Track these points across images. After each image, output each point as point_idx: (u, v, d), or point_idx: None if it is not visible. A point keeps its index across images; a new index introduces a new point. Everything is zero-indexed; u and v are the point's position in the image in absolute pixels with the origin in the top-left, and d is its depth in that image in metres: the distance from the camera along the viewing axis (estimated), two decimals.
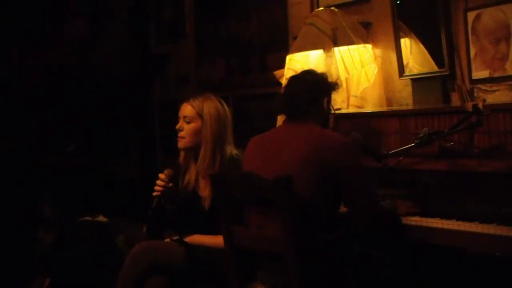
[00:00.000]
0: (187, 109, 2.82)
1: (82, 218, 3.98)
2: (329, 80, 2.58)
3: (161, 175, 2.80)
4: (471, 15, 2.91)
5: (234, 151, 2.81)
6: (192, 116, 2.80)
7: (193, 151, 2.83)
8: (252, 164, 2.46)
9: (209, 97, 2.85)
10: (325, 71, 2.70)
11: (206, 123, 2.78)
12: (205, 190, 2.78)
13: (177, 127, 2.83)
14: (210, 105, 2.81)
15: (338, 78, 2.84)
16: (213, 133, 2.77)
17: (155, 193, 2.79)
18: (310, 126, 2.41)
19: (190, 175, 2.85)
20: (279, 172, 2.23)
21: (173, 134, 2.88)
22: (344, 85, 3.22)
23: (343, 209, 2.43)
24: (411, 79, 3.19)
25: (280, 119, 3.29)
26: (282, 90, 2.62)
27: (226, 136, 2.81)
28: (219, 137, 2.78)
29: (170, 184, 2.80)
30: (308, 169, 2.27)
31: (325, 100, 2.53)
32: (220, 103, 2.85)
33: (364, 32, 3.30)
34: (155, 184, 2.80)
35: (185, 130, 2.80)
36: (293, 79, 2.60)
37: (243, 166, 2.54)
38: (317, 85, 2.51)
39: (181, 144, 2.82)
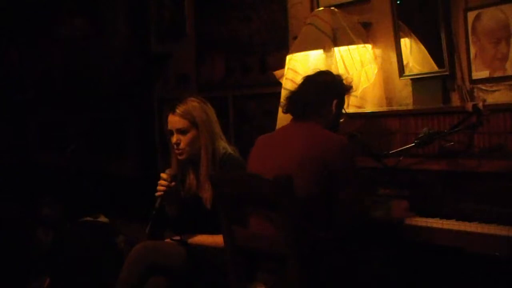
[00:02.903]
0: (178, 121, 2.78)
1: (82, 218, 3.98)
2: (344, 82, 2.56)
3: (163, 175, 2.79)
4: (471, 15, 2.90)
5: (229, 149, 2.81)
6: (186, 127, 2.76)
7: (191, 158, 2.81)
8: (256, 162, 2.47)
9: (192, 102, 2.81)
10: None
11: (202, 130, 2.76)
12: (206, 192, 2.76)
13: (174, 141, 2.79)
14: (199, 110, 2.78)
15: (352, 81, 2.76)
16: (210, 136, 2.77)
17: (158, 193, 2.77)
18: (312, 126, 2.41)
19: (190, 181, 2.84)
20: (279, 170, 2.24)
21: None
22: None
23: None
24: (411, 79, 3.18)
25: (280, 119, 3.29)
26: (293, 90, 2.60)
27: (217, 131, 2.82)
28: (214, 137, 2.79)
29: (173, 183, 2.79)
30: (307, 168, 2.28)
31: (334, 102, 2.51)
32: (204, 102, 2.84)
33: (364, 32, 3.30)
34: (157, 184, 2.78)
35: (183, 141, 2.77)
36: (305, 79, 2.59)
37: (248, 163, 2.55)
38: (326, 87, 2.50)
39: (183, 156, 2.78)
